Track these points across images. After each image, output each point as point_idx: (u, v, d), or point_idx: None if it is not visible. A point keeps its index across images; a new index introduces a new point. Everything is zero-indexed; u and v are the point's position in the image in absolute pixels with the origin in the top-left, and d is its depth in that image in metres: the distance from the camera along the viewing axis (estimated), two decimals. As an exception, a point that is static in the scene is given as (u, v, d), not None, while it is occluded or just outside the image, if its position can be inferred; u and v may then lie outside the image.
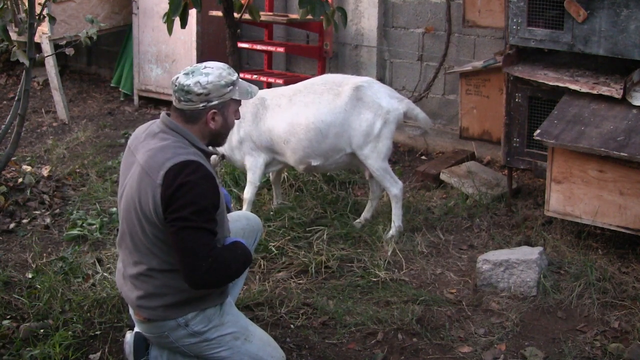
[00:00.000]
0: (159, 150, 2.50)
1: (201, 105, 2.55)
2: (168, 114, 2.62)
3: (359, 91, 4.11)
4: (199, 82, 2.53)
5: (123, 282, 2.69)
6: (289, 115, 4.14)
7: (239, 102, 2.67)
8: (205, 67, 2.58)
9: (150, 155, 2.50)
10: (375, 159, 4.12)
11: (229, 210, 2.85)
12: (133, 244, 2.58)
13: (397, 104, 4.16)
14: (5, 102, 7.47)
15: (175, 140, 2.54)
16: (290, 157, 4.21)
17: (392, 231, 4.22)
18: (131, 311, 2.74)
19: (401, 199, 4.22)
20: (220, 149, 4.30)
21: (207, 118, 2.58)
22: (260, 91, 4.39)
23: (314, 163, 4.16)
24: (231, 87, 2.59)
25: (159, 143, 2.53)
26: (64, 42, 4.57)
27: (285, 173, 4.81)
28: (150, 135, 2.60)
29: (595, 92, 3.87)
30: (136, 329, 2.80)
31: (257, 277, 3.80)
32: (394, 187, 4.19)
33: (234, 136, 4.26)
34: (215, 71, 2.57)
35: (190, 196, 2.42)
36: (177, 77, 2.57)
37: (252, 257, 2.73)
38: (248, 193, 4.30)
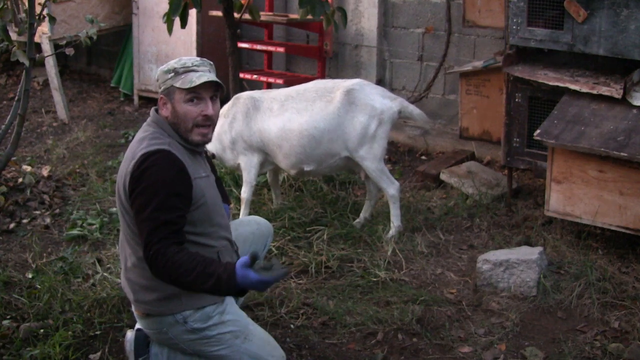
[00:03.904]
0: (138, 141, 2.61)
1: (158, 91, 2.67)
2: (156, 110, 2.70)
3: (351, 95, 4.10)
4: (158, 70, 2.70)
5: (124, 278, 2.72)
6: (280, 121, 4.15)
7: (188, 92, 2.57)
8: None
9: (131, 147, 2.63)
10: (371, 160, 4.12)
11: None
12: (124, 236, 2.66)
13: (391, 103, 4.16)
14: (5, 102, 7.47)
15: (153, 131, 2.62)
16: (281, 161, 4.22)
17: (392, 231, 4.22)
18: (133, 308, 2.76)
19: (398, 199, 4.22)
20: (212, 148, 4.31)
21: (160, 104, 2.66)
22: (252, 92, 4.40)
23: (307, 168, 4.17)
24: (172, 74, 2.60)
25: (141, 135, 2.64)
26: (64, 42, 4.56)
27: (285, 173, 4.81)
28: (140, 129, 2.71)
29: (595, 92, 3.87)
30: (137, 326, 2.81)
31: (257, 277, 3.80)
32: (391, 188, 4.19)
33: (226, 135, 4.27)
34: (171, 60, 2.67)
35: (148, 182, 2.47)
36: None
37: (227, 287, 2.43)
38: (245, 193, 4.31)
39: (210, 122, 2.64)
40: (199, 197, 2.56)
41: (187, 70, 2.60)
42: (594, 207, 3.78)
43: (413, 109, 4.26)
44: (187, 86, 2.58)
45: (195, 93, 2.59)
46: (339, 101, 4.09)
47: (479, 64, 5.04)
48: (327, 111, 4.09)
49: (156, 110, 2.70)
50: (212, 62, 2.70)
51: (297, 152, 4.12)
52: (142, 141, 2.59)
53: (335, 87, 4.17)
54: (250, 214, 4.33)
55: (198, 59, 2.66)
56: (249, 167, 4.29)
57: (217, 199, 2.71)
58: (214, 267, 2.42)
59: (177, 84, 2.59)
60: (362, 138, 4.09)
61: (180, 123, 2.61)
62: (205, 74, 2.60)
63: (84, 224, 4.45)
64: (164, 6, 5.15)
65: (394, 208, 4.22)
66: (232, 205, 4.61)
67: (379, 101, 4.13)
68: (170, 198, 2.47)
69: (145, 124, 2.70)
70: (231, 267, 2.41)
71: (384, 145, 4.15)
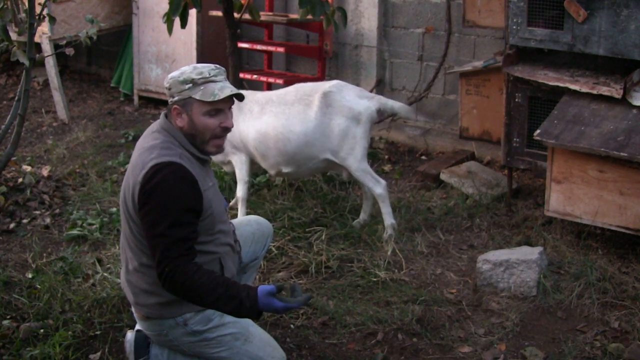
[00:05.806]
0: (147, 149, 2.53)
1: (170, 99, 2.59)
2: (166, 115, 2.64)
3: (328, 98, 4.13)
4: (168, 76, 2.59)
5: (124, 280, 2.71)
6: (258, 124, 4.20)
7: (209, 105, 2.53)
8: (188, 66, 2.61)
9: (139, 154, 2.55)
10: (353, 161, 4.14)
11: None
12: (126, 240, 2.63)
13: (368, 103, 4.17)
14: (5, 102, 7.47)
15: (164, 140, 2.55)
16: (260, 162, 4.28)
17: (388, 230, 4.21)
18: (133, 309, 2.76)
19: (387, 197, 4.21)
20: None
21: (173, 114, 2.58)
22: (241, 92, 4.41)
23: (285, 170, 4.21)
24: (189, 85, 2.52)
25: (150, 142, 2.56)
26: (64, 42, 4.56)
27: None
28: (148, 133, 2.64)
29: (595, 92, 3.87)
30: (137, 327, 2.81)
31: (257, 277, 3.80)
32: (377, 187, 4.19)
33: None
34: (185, 68, 2.58)
35: (162, 198, 2.42)
36: None
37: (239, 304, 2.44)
38: (240, 191, 4.34)
39: (227, 132, 2.63)
40: (207, 209, 2.55)
41: (206, 80, 2.53)
42: (594, 207, 3.78)
43: (393, 104, 4.27)
44: (209, 99, 2.52)
45: (215, 106, 2.55)
46: (316, 105, 4.12)
47: (479, 64, 5.04)
48: (305, 115, 4.12)
49: (165, 116, 2.63)
50: (224, 68, 2.64)
51: (274, 155, 4.17)
52: (152, 150, 2.51)
53: (314, 91, 4.19)
54: (249, 213, 4.34)
55: (213, 66, 2.58)
56: (239, 164, 4.34)
57: (221, 207, 2.70)
58: (236, 290, 2.43)
59: (197, 96, 2.52)
60: (341, 140, 4.11)
61: (197, 135, 2.57)
62: (227, 86, 2.56)
63: (84, 224, 4.45)
64: (164, 6, 5.15)
65: (384, 206, 4.21)
66: (231, 204, 4.62)
67: (356, 102, 4.14)
68: (184, 214, 2.45)
69: (154, 130, 2.61)
70: (254, 293, 2.42)
71: (364, 145, 4.17)
